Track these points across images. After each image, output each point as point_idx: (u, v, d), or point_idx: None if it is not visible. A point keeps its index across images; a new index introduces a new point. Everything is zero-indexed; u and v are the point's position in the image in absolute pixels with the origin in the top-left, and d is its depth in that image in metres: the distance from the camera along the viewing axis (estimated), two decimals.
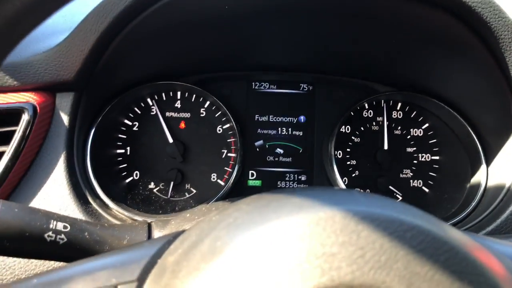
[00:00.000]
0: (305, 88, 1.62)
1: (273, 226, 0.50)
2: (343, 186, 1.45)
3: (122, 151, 1.50)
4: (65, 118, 1.20)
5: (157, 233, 0.91)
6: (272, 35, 1.31)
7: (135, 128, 1.51)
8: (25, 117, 1.14)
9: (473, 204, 1.30)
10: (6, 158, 1.10)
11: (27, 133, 1.13)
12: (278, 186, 1.58)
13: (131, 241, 0.85)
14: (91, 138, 1.33)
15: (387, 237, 0.47)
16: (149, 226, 1.02)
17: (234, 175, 1.47)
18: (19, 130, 1.13)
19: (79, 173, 1.21)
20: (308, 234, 0.48)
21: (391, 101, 1.57)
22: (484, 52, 1.13)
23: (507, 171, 1.26)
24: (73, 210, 1.12)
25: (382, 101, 1.56)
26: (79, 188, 1.18)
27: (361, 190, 1.42)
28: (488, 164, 1.37)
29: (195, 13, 1.14)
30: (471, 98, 1.36)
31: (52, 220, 0.78)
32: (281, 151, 1.60)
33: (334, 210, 0.50)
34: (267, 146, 1.60)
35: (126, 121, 1.50)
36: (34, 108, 1.16)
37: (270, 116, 1.61)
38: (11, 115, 1.15)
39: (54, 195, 1.12)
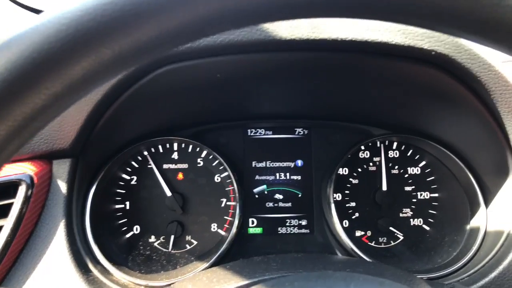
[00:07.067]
0: (301, 132, 1.62)
1: None
2: (341, 230, 1.45)
3: (122, 206, 1.49)
4: (62, 185, 1.20)
5: None
6: (267, 91, 1.32)
7: (133, 182, 1.51)
8: (22, 189, 1.13)
9: (474, 248, 1.30)
10: (5, 232, 1.09)
11: (25, 205, 1.13)
12: (279, 232, 1.57)
13: None
14: (90, 199, 1.32)
15: None
16: None
17: (235, 224, 1.46)
18: (17, 202, 1.12)
19: (79, 240, 1.21)
20: None
21: (387, 141, 1.58)
22: (476, 102, 1.14)
23: (506, 214, 1.26)
24: (75, 281, 1.11)
25: (378, 141, 1.56)
26: (80, 256, 1.18)
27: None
28: (487, 206, 1.36)
29: (189, 79, 1.14)
30: (466, 142, 1.36)
31: None
32: (281, 196, 1.59)
33: None
34: (266, 192, 1.60)
35: (124, 175, 1.50)
36: (31, 179, 1.15)
37: (267, 162, 1.61)
38: (8, 187, 1.15)
39: (55, 266, 1.12)
